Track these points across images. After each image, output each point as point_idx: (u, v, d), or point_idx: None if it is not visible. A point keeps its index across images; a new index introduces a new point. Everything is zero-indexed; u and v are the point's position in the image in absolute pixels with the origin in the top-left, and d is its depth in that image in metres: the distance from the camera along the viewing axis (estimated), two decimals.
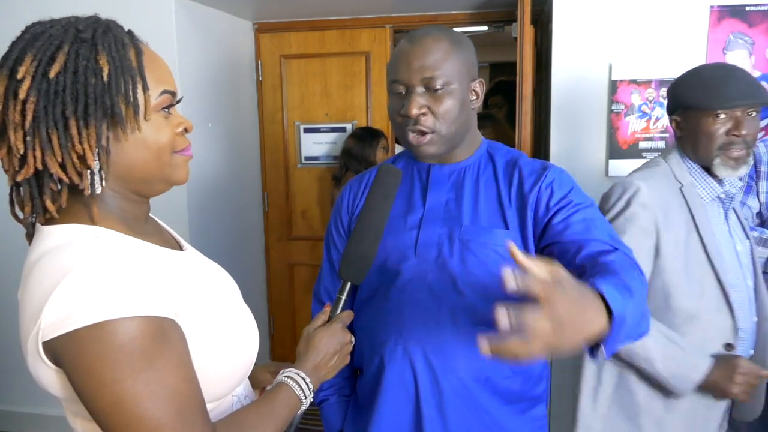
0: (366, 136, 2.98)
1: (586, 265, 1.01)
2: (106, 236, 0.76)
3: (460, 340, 1.15)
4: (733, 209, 1.53)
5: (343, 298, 1.05)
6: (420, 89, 1.13)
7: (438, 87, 1.12)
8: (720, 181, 1.46)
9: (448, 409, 1.16)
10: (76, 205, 0.78)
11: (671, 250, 1.41)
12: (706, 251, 1.40)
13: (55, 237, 0.75)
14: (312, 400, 0.94)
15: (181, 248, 0.92)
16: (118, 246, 0.74)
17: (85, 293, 0.67)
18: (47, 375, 0.73)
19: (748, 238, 1.52)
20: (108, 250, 0.72)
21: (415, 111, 1.12)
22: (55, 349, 0.69)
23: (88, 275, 0.68)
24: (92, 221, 0.77)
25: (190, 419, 0.72)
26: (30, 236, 0.81)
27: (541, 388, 1.26)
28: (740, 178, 1.48)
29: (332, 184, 3.08)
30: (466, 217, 1.18)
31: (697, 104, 1.41)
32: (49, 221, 0.78)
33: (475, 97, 1.19)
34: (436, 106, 1.13)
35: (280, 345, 3.62)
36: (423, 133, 1.14)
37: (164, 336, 0.72)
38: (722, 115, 1.39)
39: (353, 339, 1.04)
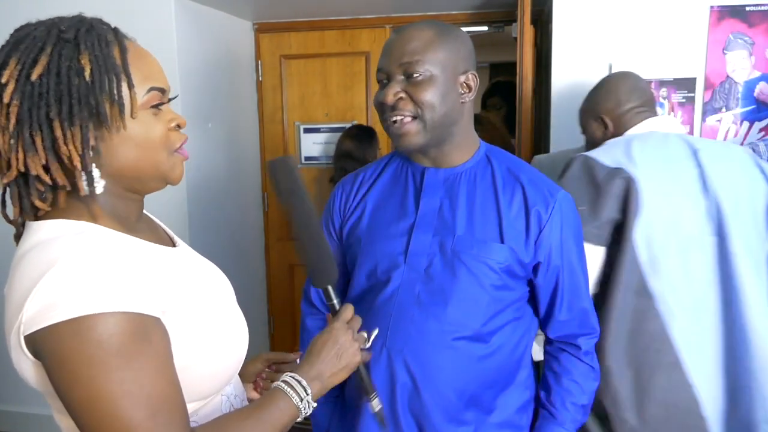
0: (364, 136, 2.92)
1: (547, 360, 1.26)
2: (92, 231, 0.75)
3: (444, 353, 1.13)
4: None
5: (334, 302, 0.99)
6: (399, 77, 1.11)
7: (416, 74, 1.09)
8: None
9: (427, 422, 1.14)
10: (67, 201, 0.78)
11: None
12: None
13: (42, 232, 0.75)
14: (315, 405, 0.89)
15: (173, 245, 0.91)
16: (105, 241, 0.74)
17: (67, 287, 0.67)
18: (29, 368, 0.73)
19: None
20: (93, 245, 0.72)
21: (390, 97, 1.10)
22: (35, 343, 0.69)
23: (71, 269, 0.68)
24: (92, 219, 0.77)
25: (165, 421, 0.71)
26: (18, 237, 0.80)
27: (527, 395, 1.25)
28: None
29: (330, 187, 3.03)
30: (460, 226, 1.15)
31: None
32: (39, 216, 0.78)
33: (465, 91, 1.15)
34: (416, 93, 1.10)
35: (281, 345, 3.62)
36: (404, 119, 1.11)
37: (145, 334, 0.71)
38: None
39: (364, 334, 0.98)
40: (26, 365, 0.72)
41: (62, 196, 0.76)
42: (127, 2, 2.55)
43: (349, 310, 0.97)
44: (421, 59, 1.09)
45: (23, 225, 0.80)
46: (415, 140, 1.13)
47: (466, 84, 1.15)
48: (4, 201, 0.80)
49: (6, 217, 0.81)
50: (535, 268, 1.18)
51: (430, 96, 1.10)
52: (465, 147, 1.20)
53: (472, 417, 1.17)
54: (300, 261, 0.99)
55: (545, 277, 1.18)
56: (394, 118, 1.12)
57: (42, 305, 0.67)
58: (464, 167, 1.19)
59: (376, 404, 0.99)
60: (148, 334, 0.71)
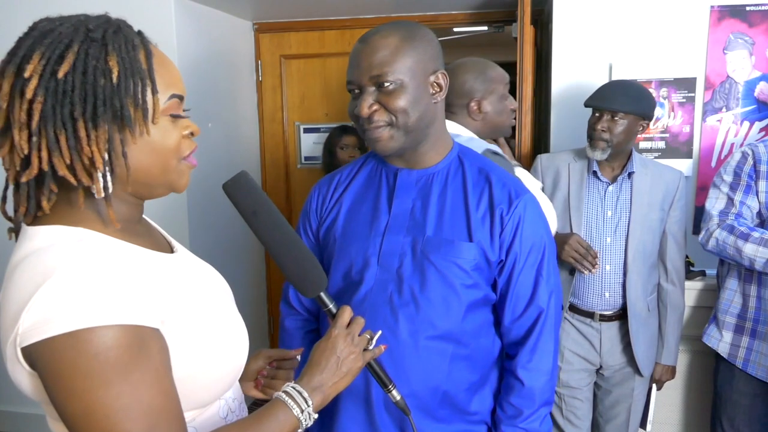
0: (330, 136, 2.98)
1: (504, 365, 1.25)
2: (90, 239, 0.73)
3: (417, 352, 1.14)
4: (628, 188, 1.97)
5: (330, 307, 0.95)
6: (371, 88, 1.12)
7: (387, 84, 1.10)
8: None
9: (404, 420, 1.15)
10: (63, 206, 0.76)
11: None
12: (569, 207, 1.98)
13: (38, 238, 0.73)
14: (316, 417, 0.87)
15: (171, 250, 0.89)
16: (103, 250, 0.72)
17: (64, 299, 0.65)
18: (25, 379, 0.71)
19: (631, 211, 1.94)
20: (91, 255, 0.70)
21: (365, 111, 1.11)
22: (32, 355, 0.67)
23: (68, 280, 0.66)
24: (91, 225, 0.75)
25: None
26: (13, 231, 0.79)
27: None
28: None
29: None
30: (430, 226, 1.16)
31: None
32: (35, 222, 0.76)
33: (437, 90, 1.16)
34: (388, 103, 1.11)
35: None
36: (379, 128, 1.12)
37: (142, 346, 0.69)
38: (596, 114, 1.92)
39: (366, 335, 0.95)
40: (23, 376, 0.71)
41: (81, 198, 0.74)
42: (127, 2, 2.54)
43: (346, 314, 0.94)
44: (390, 69, 1.10)
45: (20, 223, 0.78)
46: (391, 145, 1.14)
47: (436, 83, 1.16)
48: (5, 197, 0.79)
49: (5, 213, 0.79)
50: (499, 268, 1.20)
51: (403, 103, 1.11)
52: (439, 147, 1.21)
53: (448, 414, 1.19)
54: (285, 276, 0.95)
55: (500, 277, 1.20)
56: (371, 129, 1.13)
57: (38, 318, 0.65)
58: (437, 168, 1.21)
59: (396, 394, 0.99)
60: (146, 346, 0.69)
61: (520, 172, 1.78)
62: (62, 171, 0.71)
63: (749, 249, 1.75)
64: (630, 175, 1.95)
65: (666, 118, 2.40)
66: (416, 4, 3.01)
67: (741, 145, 2.31)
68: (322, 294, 0.95)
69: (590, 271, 1.89)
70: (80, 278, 0.67)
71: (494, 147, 1.60)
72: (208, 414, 0.84)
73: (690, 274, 2.25)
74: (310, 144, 3.40)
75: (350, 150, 2.94)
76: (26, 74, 0.69)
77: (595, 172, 1.97)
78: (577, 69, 2.44)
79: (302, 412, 0.84)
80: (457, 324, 1.16)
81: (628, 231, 1.93)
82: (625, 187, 1.95)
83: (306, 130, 3.40)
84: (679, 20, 2.35)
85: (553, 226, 1.57)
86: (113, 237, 0.77)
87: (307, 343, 1.32)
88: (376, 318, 1.15)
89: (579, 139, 2.01)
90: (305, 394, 0.85)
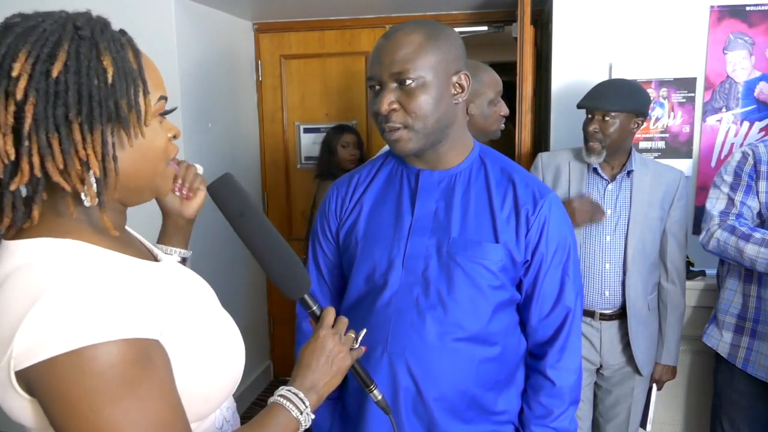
0: (328, 135, 2.99)
1: (529, 364, 1.25)
2: (81, 251, 0.70)
3: (445, 355, 1.14)
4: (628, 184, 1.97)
5: (314, 308, 0.95)
6: (392, 85, 1.10)
7: (408, 82, 1.08)
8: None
9: (432, 423, 1.15)
10: (48, 216, 0.71)
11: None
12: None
13: (22, 253, 0.68)
14: (313, 417, 0.86)
15: (155, 259, 0.87)
16: (96, 262, 0.69)
17: (62, 316, 0.61)
18: (20, 406, 0.67)
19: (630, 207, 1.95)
20: (85, 267, 0.67)
21: (384, 107, 1.09)
22: (29, 378, 0.63)
23: (64, 296, 0.63)
24: (79, 236, 0.72)
25: None
26: None
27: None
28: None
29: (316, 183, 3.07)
30: (455, 228, 1.16)
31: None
32: (17, 235, 0.71)
33: (459, 91, 1.14)
34: (408, 102, 1.09)
35: (280, 345, 3.62)
36: (396, 129, 1.11)
37: (147, 360, 0.66)
38: (589, 115, 1.93)
39: (351, 335, 0.96)
40: (17, 402, 0.67)
41: (72, 207, 0.71)
42: (127, 2, 2.54)
43: (330, 315, 0.94)
44: (412, 66, 1.08)
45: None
46: (410, 146, 1.13)
47: (458, 84, 1.14)
48: None
49: None
50: (525, 268, 1.19)
51: (423, 103, 1.09)
52: (460, 148, 1.20)
53: (475, 416, 1.18)
54: (270, 278, 0.94)
55: (526, 277, 1.19)
56: (389, 129, 1.12)
57: (35, 338, 0.61)
58: (459, 169, 1.20)
59: (377, 394, 1.00)
60: (150, 358, 0.67)
61: None
62: (56, 177, 0.67)
63: (751, 250, 1.75)
64: (629, 173, 1.95)
65: (666, 118, 2.40)
66: (416, 4, 3.01)
67: (741, 145, 2.31)
68: (306, 296, 0.95)
69: (604, 215, 1.92)
70: (76, 293, 0.63)
71: None
72: (205, 426, 0.82)
73: (690, 274, 2.24)
74: (310, 144, 3.40)
75: (351, 148, 2.95)
76: (14, 73, 0.64)
77: (595, 169, 1.97)
78: (577, 69, 2.44)
79: (301, 413, 0.84)
80: (484, 325, 1.15)
81: (627, 229, 1.93)
82: (625, 186, 1.96)
83: (306, 130, 3.40)
84: (679, 20, 2.35)
85: None
86: (104, 247, 0.73)
87: None
88: (402, 321, 1.14)
89: (579, 138, 2.01)
90: (301, 395, 0.85)
